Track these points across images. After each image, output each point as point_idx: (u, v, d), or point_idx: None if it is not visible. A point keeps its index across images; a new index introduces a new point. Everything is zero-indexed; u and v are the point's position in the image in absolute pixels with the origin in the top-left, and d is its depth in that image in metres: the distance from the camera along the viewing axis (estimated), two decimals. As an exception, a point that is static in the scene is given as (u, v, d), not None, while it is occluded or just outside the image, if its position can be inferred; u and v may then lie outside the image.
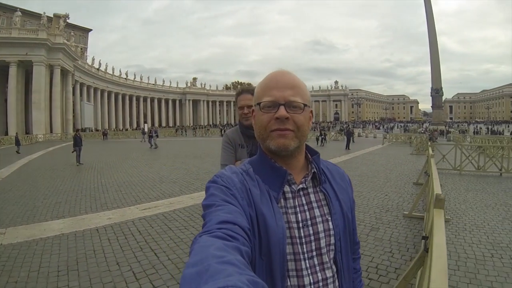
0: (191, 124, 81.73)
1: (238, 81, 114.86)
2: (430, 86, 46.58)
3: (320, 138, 24.96)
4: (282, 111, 0.76)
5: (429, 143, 12.47)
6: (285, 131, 0.77)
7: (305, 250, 0.75)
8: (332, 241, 0.78)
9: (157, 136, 22.98)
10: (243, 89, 2.02)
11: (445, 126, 47.63)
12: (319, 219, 0.78)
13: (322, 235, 0.77)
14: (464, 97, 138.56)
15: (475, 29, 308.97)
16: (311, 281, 0.74)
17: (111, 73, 65.68)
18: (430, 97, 47.28)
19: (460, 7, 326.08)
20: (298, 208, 0.78)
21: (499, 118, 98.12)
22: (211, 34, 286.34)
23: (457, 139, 23.56)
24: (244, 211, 0.69)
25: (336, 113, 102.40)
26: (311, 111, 0.84)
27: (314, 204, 0.80)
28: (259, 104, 0.80)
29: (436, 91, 45.55)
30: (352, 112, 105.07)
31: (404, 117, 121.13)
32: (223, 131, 34.56)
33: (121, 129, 61.07)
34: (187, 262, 0.49)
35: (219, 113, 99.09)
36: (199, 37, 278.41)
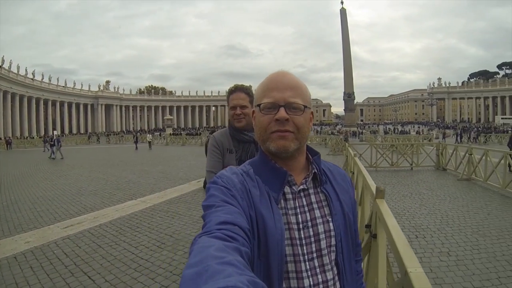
0: (104, 131, 76.28)
1: (152, 85, 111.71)
2: (343, 90, 51.17)
3: None
4: (282, 113, 0.76)
5: (346, 144, 13.69)
6: (285, 132, 0.77)
7: (305, 251, 0.75)
8: (333, 242, 0.79)
9: (60, 145, 20.22)
10: (237, 87, 1.85)
11: (357, 128, 52.90)
12: (319, 220, 0.78)
13: (322, 236, 0.77)
14: (374, 101, 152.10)
15: (385, 41, 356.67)
16: (311, 283, 0.74)
17: (16, 72, 57.10)
18: (343, 101, 51.77)
19: (372, 21, 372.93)
20: (298, 209, 0.78)
21: (405, 119, 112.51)
22: (127, 34, 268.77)
23: (369, 139, 26.64)
24: (244, 212, 0.69)
25: None
26: (312, 113, 0.84)
27: (315, 205, 0.80)
28: (259, 105, 0.80)
29: (349, 95, 50.06)
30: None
31: (317, 120, 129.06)
32: (135, 137, 32.31)
33: (26, 137, 53.40)
34: (187, 263, 0.49)
35: (133, 119, 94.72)
36: (114, 37, 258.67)
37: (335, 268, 0.79)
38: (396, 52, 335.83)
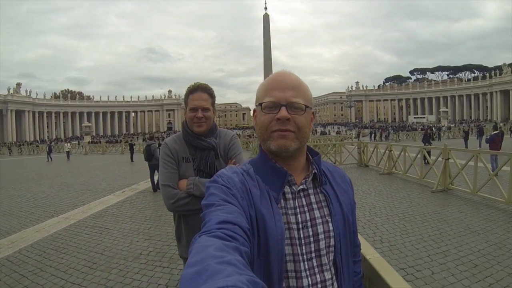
0: (16, 140, 66.29)
1: (68, 89, 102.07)
2: None
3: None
4: (283, 112, 0.77)
5: None
6: (286, 132, 0.77)
7: (304, 251, 0.76)
8: (332, 242, 0.80)
9: None
10: (199, 86, 1.64)
11: None
12: (319, 220, 0.79)
13: (321, 236, 0.78)
14: None
15: (305, 46, 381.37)
16: (310, 282, 0.75)
17: None
18: None
19: (293, 27, 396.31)
20: (298, 209, 0.79)
21: (324, 121, 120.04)
22: (41, 31, 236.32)
23: None
24: (244, 211, 0.70)
25: (169, 122, 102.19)
26: (313, 113, 0.85)
27: (314, 205, 0.81)
28: (260, 104, 0.80)
29: None
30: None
31: (236, 124, 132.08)
32: (48, 147, 28.57)
33: None
34: (187, 262, 0.49)
35: (47, 126, 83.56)
36: (26, 34, 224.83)
37: (333, 269, 0.80)
38: (316, 57, 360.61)
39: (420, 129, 40.08)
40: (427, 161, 9.11)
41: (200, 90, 1.63)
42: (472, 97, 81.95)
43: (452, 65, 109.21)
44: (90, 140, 50.34)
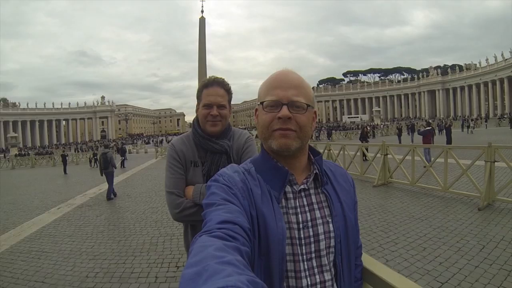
0: None
1: None
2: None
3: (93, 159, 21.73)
4: (284, 111, 0.77)
5: None
6: (287, 131, 0.77)
7: (304, 251, 0.76)
8: (332, 243, 0.80)
9: None
10: (215, 80, 1.46)
11: None
12: (319, 221, 0.79)
13: (322, 237, 0.78)
14: None
15: (240, 50, 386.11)
16: (309, 283, 0.75)
17: None
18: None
19: (229, 31, 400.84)
20: (299, 209, 0.79)
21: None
22: None
23: None
24: (245, 210, 0.70)
25: (103, 130, 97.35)
26: (315, 112, 0.85)
27: (315, 206, 0.81)
28: (262, 103, 0.80)
29: None
30: (120, 128, 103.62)
31: (171, 130, 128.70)
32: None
33: None
34: (187, 262, 0.49)
35: None
36: None
37: (333, 270, 0.80)
38: (250, 61, 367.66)
39: (356, 128, 43.03)
40: (366, 158, 9.75)
41: (217, 84, 1.45)
42: (402, 97, 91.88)
43: (383, 68, 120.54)
44: (17, 153, 45.27)
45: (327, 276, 0.77)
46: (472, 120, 44.21)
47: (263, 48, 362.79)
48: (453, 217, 4.92)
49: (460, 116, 64.97)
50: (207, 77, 1.49)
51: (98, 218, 6.62)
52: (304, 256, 0.76)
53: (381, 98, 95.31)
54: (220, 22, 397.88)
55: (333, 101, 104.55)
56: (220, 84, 1.46)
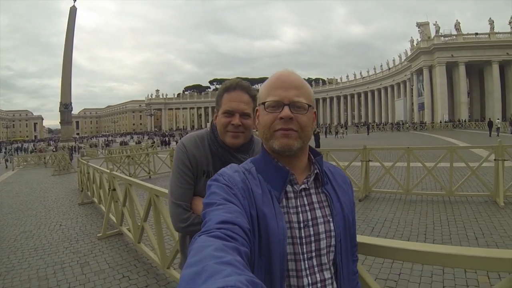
0: None
1: None
2: (59, 100, 46.56)
3: None
4: (286, 111, 0.79)
5: (79, 161, 10.90)
6: (289, 131, 0.80)
7: (304, 250, 0.78)
8: (333, 242, 0.82)
9: None
10: (238, 84, 1.26)
11: (75, 142, 49.62)
12: (320, 220, 0.81)
13: (323, 236, 0.80)
14: (91, 112, 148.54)
15: (106, 50, 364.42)
16: (310, 281, 0.77)
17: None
18: (59, 113, 47.01)
19: (98, 27, 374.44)
20: (299, 208, 0.81)
21: (123, 130, 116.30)
22: None
23: (91, 154, 24.96)
24: (245, 210, 0.71)
25: None
26: (315, 112, 0.88)
27: (316, 205, 0.83)
28: (263, 103, 0.82)
29: (66, 106, 45.99)
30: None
31: (27, 136, 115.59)
32: None
33: None
34: (186, 262, 0.49)
35: None
36: None
37: (332, 268, 0.83)
38: (116, 62, 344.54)
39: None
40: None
41: (240, 89, 1.26)
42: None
43: (249, 78, 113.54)
44: None
45: (327, 274, 0.80)
46: (342, 127, 50.57)
47: (131, 50, 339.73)
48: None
49: (322, 124, 76.43)
50: (230, 80, 1.32)
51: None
52: (305, 255, 0.78)
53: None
54: (90, 15, 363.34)
55: (198, 108, 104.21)
56: (245, 89, 1.27)
